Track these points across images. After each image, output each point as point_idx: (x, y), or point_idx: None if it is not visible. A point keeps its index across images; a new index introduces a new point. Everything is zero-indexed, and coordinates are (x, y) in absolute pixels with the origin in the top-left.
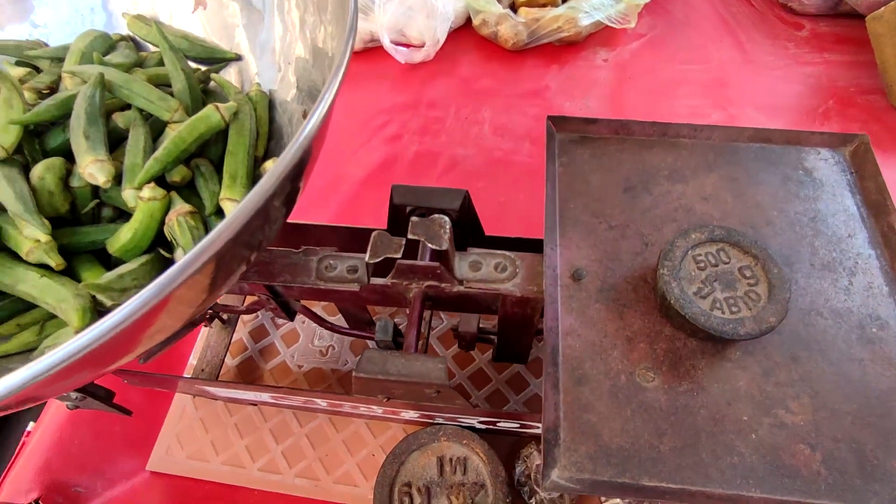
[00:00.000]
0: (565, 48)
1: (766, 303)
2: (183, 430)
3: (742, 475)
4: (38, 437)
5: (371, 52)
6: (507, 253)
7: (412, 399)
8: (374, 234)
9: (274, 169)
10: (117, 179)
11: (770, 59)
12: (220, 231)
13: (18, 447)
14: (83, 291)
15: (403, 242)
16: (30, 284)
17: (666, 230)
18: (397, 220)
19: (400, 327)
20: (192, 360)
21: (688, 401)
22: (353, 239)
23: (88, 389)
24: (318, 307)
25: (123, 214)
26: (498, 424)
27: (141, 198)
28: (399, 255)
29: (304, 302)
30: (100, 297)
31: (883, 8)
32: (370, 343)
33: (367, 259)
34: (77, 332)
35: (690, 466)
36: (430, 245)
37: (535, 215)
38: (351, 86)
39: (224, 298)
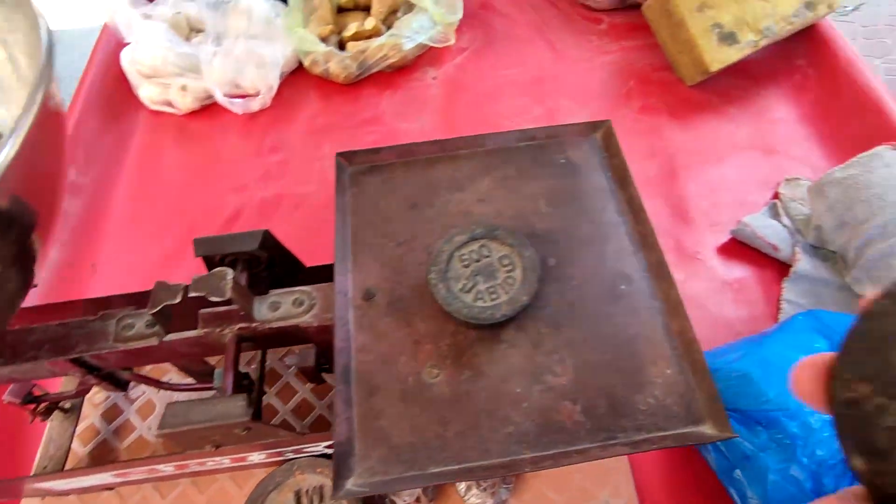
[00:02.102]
0: (396, 73)
1: (520, 284)
2: None
3: (517, 441)
4: None
5: (209, 108)
6: (304, 288)
7: (230, 441)
8: (155, 284)
9: None
10: None
11: (577, 52)
12: None
13: None
14: None
15: (182, 288)
16: None
17: (447, 237)
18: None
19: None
20: (37, 461)
21: (469, 387)
22: None
23: None
24: (171, 374)
25: None
26: None
27: None
28: (177, 300)
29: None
30: None
31: None
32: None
33: (147, 311)
34: None
35: (472, 445)
36: (212, 298)
37: None
38: (192, 144)
39: (53, 385)
